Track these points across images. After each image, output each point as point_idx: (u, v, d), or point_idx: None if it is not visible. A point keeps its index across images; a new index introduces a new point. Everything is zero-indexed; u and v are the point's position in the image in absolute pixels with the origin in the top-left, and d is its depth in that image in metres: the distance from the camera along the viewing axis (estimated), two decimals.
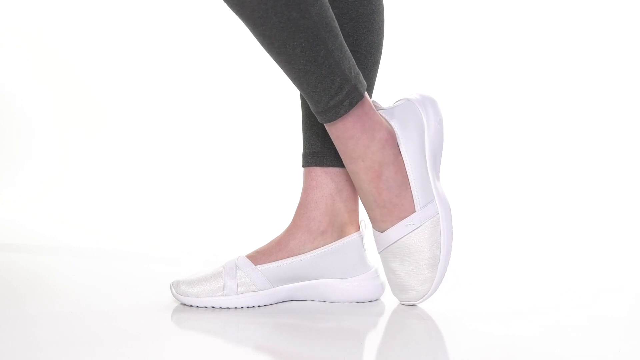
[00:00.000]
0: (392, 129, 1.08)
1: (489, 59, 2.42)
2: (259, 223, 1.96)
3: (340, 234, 1.15)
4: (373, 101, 1.13)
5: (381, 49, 1.18)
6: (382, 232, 1.10)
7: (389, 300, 1.16)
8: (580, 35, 2.37)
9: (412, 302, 1.11)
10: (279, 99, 2.38)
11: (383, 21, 1.17)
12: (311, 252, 1.13)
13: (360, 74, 1.07)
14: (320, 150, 1.15)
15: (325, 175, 1.15)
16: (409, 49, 2.43)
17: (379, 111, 1.11)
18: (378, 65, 1.18)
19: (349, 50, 1.06)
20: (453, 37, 2.44)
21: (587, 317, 1.11)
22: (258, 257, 1.13)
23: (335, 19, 1.05)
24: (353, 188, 1.15)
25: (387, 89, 2.44)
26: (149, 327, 1.04)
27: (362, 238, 1.17)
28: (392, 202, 1.08)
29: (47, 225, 2.02)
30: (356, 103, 1.05)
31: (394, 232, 1.08)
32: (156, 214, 2.12)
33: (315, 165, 1.15)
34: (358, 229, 1.16)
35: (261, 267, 1.12)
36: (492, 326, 1.05)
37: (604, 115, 2.30)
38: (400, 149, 1.08)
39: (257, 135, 2.45)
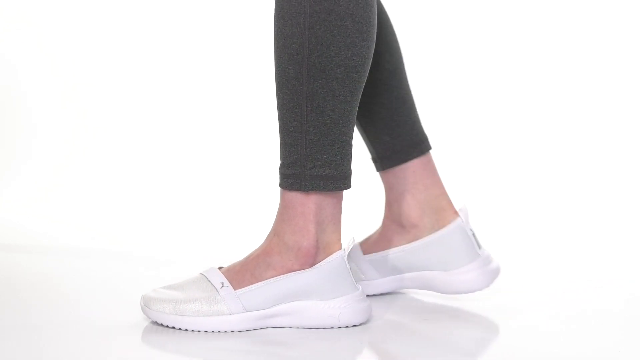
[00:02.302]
0: (315, 249, 1.03)
1: (488, 58, 2.42)
2: (259, 224, 1.96)
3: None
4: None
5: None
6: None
7: (389, 300, 1.16)
8: (581, 35, 2.36)
9: None
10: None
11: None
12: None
13: (336, 180, 1.02)
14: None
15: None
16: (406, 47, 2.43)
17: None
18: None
19: (340, 152, 1.01)
20: (453, 36, 2.44)
21: (586, 317, 1.11)
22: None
23: (347, 117, 1.01)
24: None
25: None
26: (149, 328, 1.04)
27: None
28: (243, 271, 1.04)
29: (48, 226, 2.02)
30: (297, 189, 1.02)
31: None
32: (157, 215, 2.12)
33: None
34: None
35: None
36: (491, 325, 1.05)
37: (604, 116, 2.30)
38: (301, 279, 1.02)
39: (258, 136, 2.45)
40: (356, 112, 1.03)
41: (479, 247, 1.14)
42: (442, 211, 1.14)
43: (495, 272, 1.13)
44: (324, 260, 1.03)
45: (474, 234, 1.13)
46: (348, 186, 1.04)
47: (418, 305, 1.16)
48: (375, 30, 1.02)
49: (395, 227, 1.16)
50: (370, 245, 1.18)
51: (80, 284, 1.35)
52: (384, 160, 1.16)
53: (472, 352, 0.95)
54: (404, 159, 1.15)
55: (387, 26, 1.17)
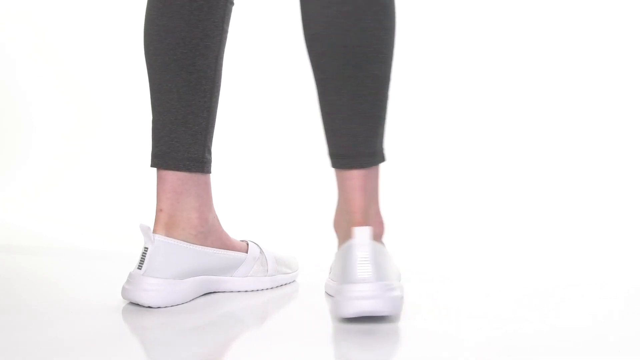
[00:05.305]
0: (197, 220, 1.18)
1: (489, 58, 2.42)
2: (259, 224, 1.96)
3: None
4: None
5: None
6: None
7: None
8: (581, 35, 2.37)
9: None
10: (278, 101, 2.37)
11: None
12: None
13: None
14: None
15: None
16: (408, 48, 2.43)
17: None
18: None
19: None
20: (453, 36, 2.44)
21: (586, 317, 1.11)
22: None
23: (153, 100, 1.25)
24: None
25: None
26: (149, 328, 1.04)
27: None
28: None
29: (48, 226, 2.02)
30: None
31: None
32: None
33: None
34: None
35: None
36: (491, 325, 1.05)
37: (604, 116, 2.30)
38: None
39: (257, 134, 2.45)
40: (165, 97, 1.21)
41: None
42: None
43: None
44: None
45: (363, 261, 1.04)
46: (152, 164, 1.20)
47: (418, 305, 1.16)
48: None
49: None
50: None
51: (79, 284, 1.35)
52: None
53: (469, 353, 0.95)
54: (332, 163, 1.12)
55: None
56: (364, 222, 1.07)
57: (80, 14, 2.63)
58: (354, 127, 1.08)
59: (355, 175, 1.09)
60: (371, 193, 1.09)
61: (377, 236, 1.10)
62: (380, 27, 1.05)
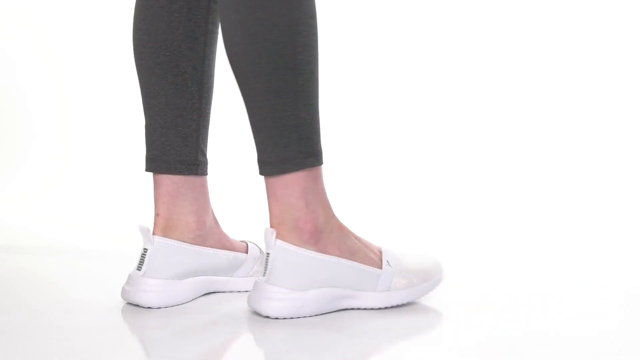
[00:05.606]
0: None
1: (489, 58, 2.42)
2: (259, 224, 1.96)
3: None
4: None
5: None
6: None
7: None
8: (581, 35, 2.37)
9: None
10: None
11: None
12: None
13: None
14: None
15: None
16: (408, 47, 2.43)
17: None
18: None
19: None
20: (453, 35, 2.44)
21: (586, 317, 1.11)
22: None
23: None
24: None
25: (386, 88, 2.44)
26: (149, 328, 1.04)
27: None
28: None
29: (47, 226, 2.02)
30: None
31: None
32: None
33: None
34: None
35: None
36: (491, 325, 1.05)
37: (604, 116, 2.30)
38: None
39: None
40: (154, 100, 1.19)
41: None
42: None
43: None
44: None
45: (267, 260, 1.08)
46: (147, 169, 1.22)
47: (417, 303, 1.16)
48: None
49: None
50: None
51: (79, 284, 1.35)
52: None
53: (470, 354, 0.95)
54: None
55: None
56: (273, 226, 1.09)
57: (80, 15, 2.63)
58: (255, 136, 1.09)
59: (266, 182, 1.10)
60: (286, 200, 1.08)
61: (299, 241, 1.08)
62: (250, 42, 1.03)
